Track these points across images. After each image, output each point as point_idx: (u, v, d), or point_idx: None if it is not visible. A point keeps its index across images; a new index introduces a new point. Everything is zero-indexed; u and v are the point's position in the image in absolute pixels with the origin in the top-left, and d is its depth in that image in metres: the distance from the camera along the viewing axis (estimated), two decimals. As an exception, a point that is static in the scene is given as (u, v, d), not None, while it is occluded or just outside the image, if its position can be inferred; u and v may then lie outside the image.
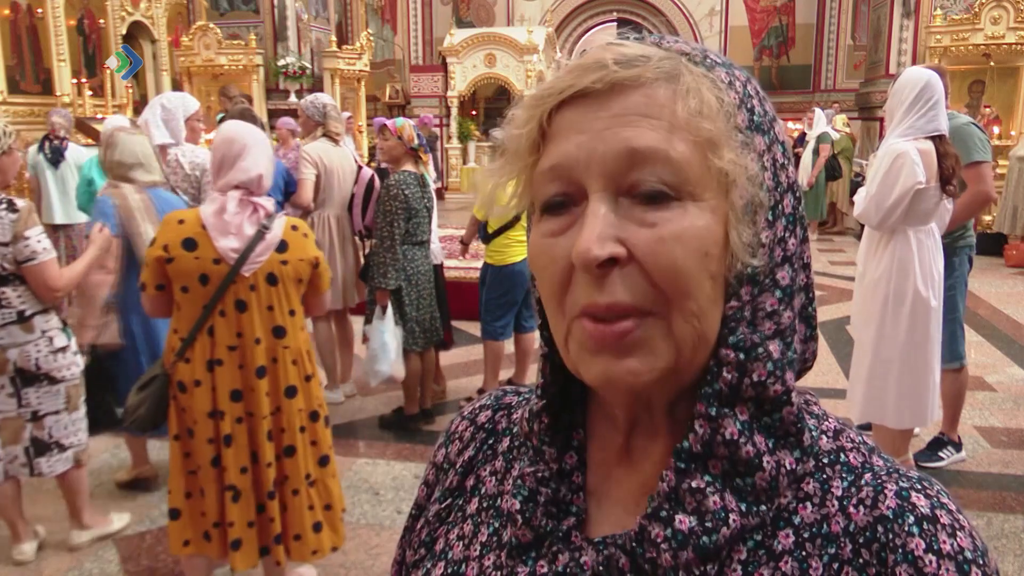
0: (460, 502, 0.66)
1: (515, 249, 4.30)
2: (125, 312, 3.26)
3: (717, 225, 0.49)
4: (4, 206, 2.73)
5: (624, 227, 0.49)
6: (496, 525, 0.61)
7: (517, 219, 4.24)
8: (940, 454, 3.79)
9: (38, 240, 2.79)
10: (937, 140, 3.11)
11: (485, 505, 0.63)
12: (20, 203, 2.77)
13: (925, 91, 3.09)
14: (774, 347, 0.51)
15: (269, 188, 2.48)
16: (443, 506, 0.66)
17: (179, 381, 2.40)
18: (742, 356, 0.50)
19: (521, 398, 0.70)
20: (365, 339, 4.10)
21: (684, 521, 0.49)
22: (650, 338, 0.49)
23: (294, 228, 2.49)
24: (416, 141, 4.06)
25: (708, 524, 0.49)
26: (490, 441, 0.68)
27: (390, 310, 4.03)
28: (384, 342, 3.97)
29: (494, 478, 0.64)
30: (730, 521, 0.49)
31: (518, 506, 0.56)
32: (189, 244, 2.32)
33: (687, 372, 0.51)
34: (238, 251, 2.34)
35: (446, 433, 0.72)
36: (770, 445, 0.51)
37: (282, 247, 2.44)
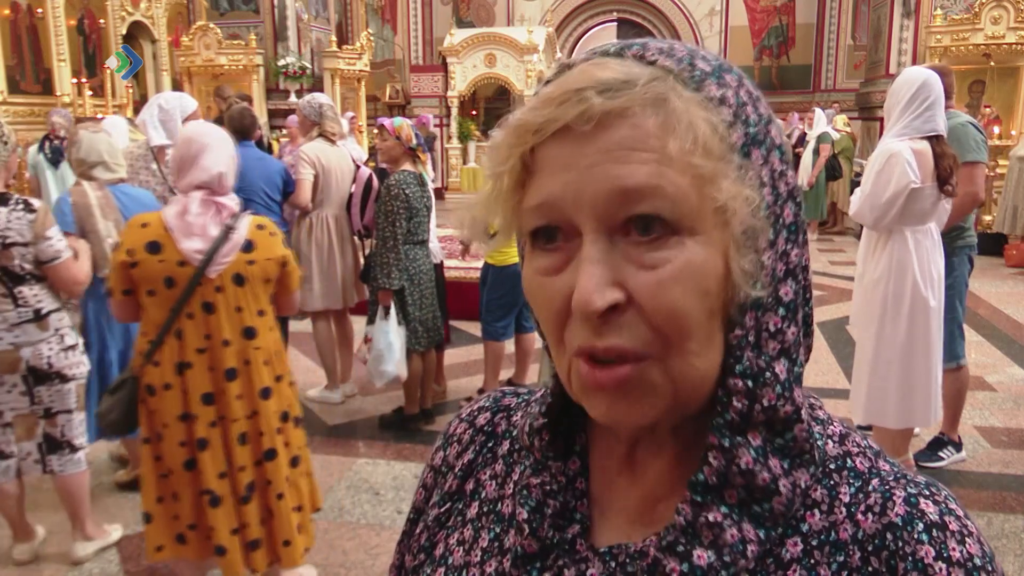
0: (460, 506, 0.64)
1: (516, 249, 4.30)
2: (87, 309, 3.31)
3: (717, 258, 0.48)
4: (21, 207, 2.73)
5: (622, 269, 0.47)
6: (497, 530, 0.60)
7: None
8: (940, 454, 3.79)
9: (59, 239, 2.81)
10: (934, 140, 3.11)
11: (486, 510, 0.62)
12: (36, 203, 2.78)
13: (921, 91, 3.09)
14: (780, 368, 0.50)
15: (232, 187, 2.45)
16: (442, 510, 0.65)
17: (148, 384, 2.37)
18: (750, 384, 0.49)
19: (520, 399, 0.69)
20: (367, 340, 4.09)
21: (702, 556, 0.48)
22: (650, 381, 0.48)
23: (260, 227, 2.46)
24: (414, 141, 4.07)
25: (727, 558, 0.48)
26: (490, 444, 0.66)
27: (393, 310, 4.02)
28: (390, 342, 3.97)
29: (494, 482, 0.63)
30: (748, 552, 0.49)
31: (525, 515, 0.55)
32: (153, 247, 2.29)
33: (691, 405, 0.50)
34: (202, 252, 2.32)
35: (444, 435, 0.70)
36: (785, 467, 0.50)
37: (248, 247, 2.41)
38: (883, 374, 3.22)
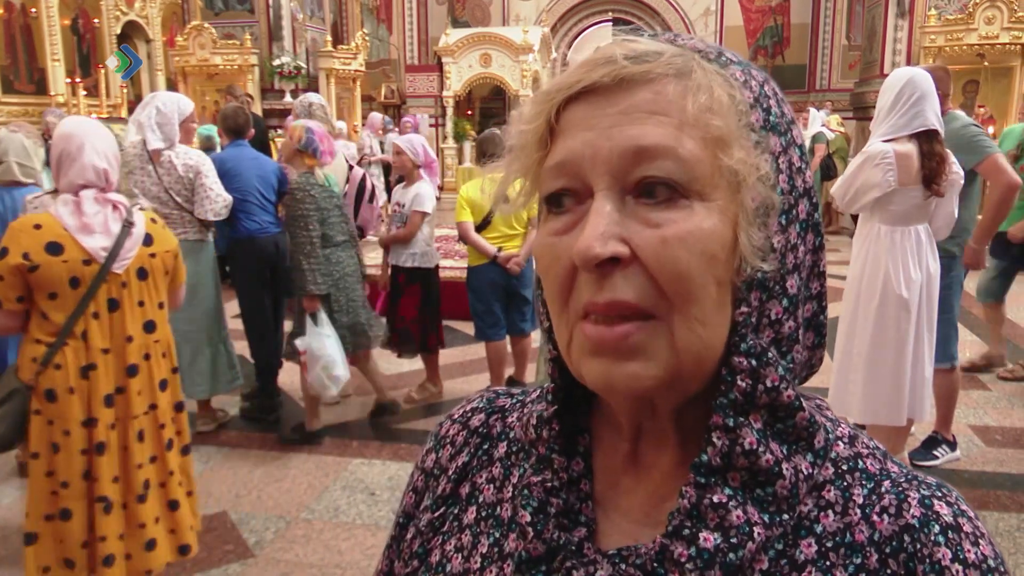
0: (455, 511, 0.62)
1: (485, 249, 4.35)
2: None
3: (726, 227, 0.48)
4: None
5: (628, 226, 0.47)
6: (497, 535, 0.58)
7: (488, 221, 4.27)
8: (935, 452, 3.80)
9: None
10: (924, 138, 3.10)
11: (484, 514, 0.60)
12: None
13: (906, 88, 3.09)
14: (773, 353, 0.50)
15: (116, 183, 2.43)
16: (436, 515, 0.63)
17: (48, 390, 2.29)
18: (754, 363, 0.49)
19: (514, 400, 0.67)
20: (302, 353, 3.88)
21: (708, 538, 0.48)
22: (651, 343, 0.48)
23: (154, 220, 2.49)
24: (303, 143, 3.93)
25: (733, 540, 0.48)
26: (485, 446, 0.65)
27: (323, 314, 3.90)
28: (334, 346, 3.87)
29: (492, 486, 0.62)
30: (755, 535, 0.48)
31: (528, 518, 0.54)
32: (54, 248, 2.24)
33: (693, 380, 0.50)
34: (107, 249, 2.30)
35: (435, 437, 0.68)
36: (784, 451, 0.50)
37: (148, 240, 2.42)
38: (851, 367, 3.27)
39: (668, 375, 0.48)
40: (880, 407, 3.23)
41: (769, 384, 0.49)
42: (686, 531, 0.49)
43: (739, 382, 0.49)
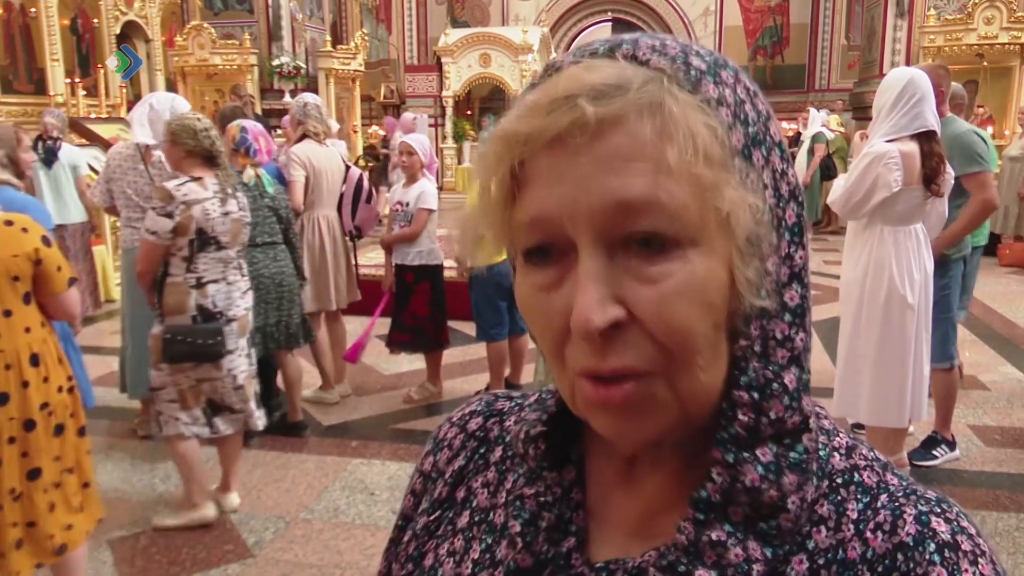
0: (450, 515, 0.62)
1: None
2: None
3: (720, 268, 0.46)
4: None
5: (622, 284, 0.45)
6: (489, 541, 0.58)
7: None
8: (934, 452, 3.80)
9: None
10: (923, 138, 3.10)
11: (477, 519, 0.60)
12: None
13: (907, 89, 3.09)
14: (789, 378, 0.49)
15: None
16: (432, 518, 0.63)
17: None
18: (756, 396, 0.47)
19: (513, 403, 0.67)
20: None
21: None
22: (656, 397, 0.46)
23: (8, 223, 2.35)
24: (236, 142, 3.86)
25: None
26: (481, 450, 0.64)
27: None
28: None
29: (486, 490, 0.61)
30: (753, 573, 0.47)
31: (519, 528, 0.53)
32: None
33: (697, 418, 0.49)
34: None
35: (434, 439, 0.68)
36: (797, 483, 0.48)
37: None
38: (856, 369, 3.26)
39: (674, 421, 0.48)
40: (888, 408, 3.22)
41: (773, 416, 0.48)
42: (681, 568, 0.47)
43: (740, 416, 0.48)
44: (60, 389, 2.48)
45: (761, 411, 0.48)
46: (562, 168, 0.45)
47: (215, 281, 3.17)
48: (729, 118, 0.47)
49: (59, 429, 2.47)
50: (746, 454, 0.47)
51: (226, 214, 3.18)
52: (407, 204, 4.45)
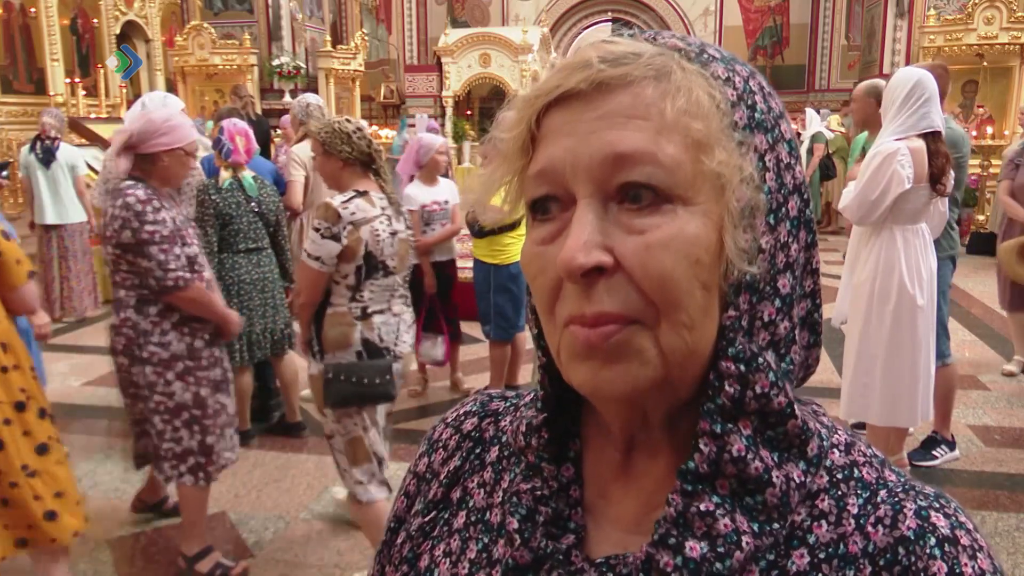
0: (446, 515, 0.62)
1: (516, 246, 4.29)
2: None
3: (710, 230, 0.47)
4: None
5: (611, 234, 0.47)
6: (486, 541, 0.58)
7: (517, 223, 4.22)
8: (934, 452, 3.80)
9: None
10: (930, 138, 3.12)
11: (473, 519, 0.60)
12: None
13: (916, 89, 3.10)
14: (770, 358, 0.49)
15: None
16: (427, 519, 0.63)
17: None
18: (743, 368, 0.48)
19: (508, 404, 0.67)
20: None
21: (695, 548, 0.47)
22: (637, 346, 0.47)
23: None
24: (213, 143, 3.80)
25: (720, 549, 0.47)
26: (477, 451, 0.64)
27: None
28: None
29: (482, 490, 0.61)
30: (743, 544, 0.47)
31: (516, 525, 0.53)
32: None
33: (681, 385, 0.49)
34: None
35: (428, 441, 0.67)
36: (775, 459, 0.49)
37: None
38: (867, 370, 3.25)
39: (654, 378, 0.48)
40: (899, 409, 3.22)
41: (759, 390, 0.48)
42: (672, 540, 0.48)
43: (727, 387, 0.48)
44: (34, 377, 2.53)
45: (747, 384, 0.48)
46: (571, 124, 0.49)
47: (380, 312, 2.71)
48: (734, 97, 0.49)
49: (42, 413, 2.51)
50: (731, 425, 0.48)
51: (394, 234, 2.72)
52: (445, 202, 4.42)
